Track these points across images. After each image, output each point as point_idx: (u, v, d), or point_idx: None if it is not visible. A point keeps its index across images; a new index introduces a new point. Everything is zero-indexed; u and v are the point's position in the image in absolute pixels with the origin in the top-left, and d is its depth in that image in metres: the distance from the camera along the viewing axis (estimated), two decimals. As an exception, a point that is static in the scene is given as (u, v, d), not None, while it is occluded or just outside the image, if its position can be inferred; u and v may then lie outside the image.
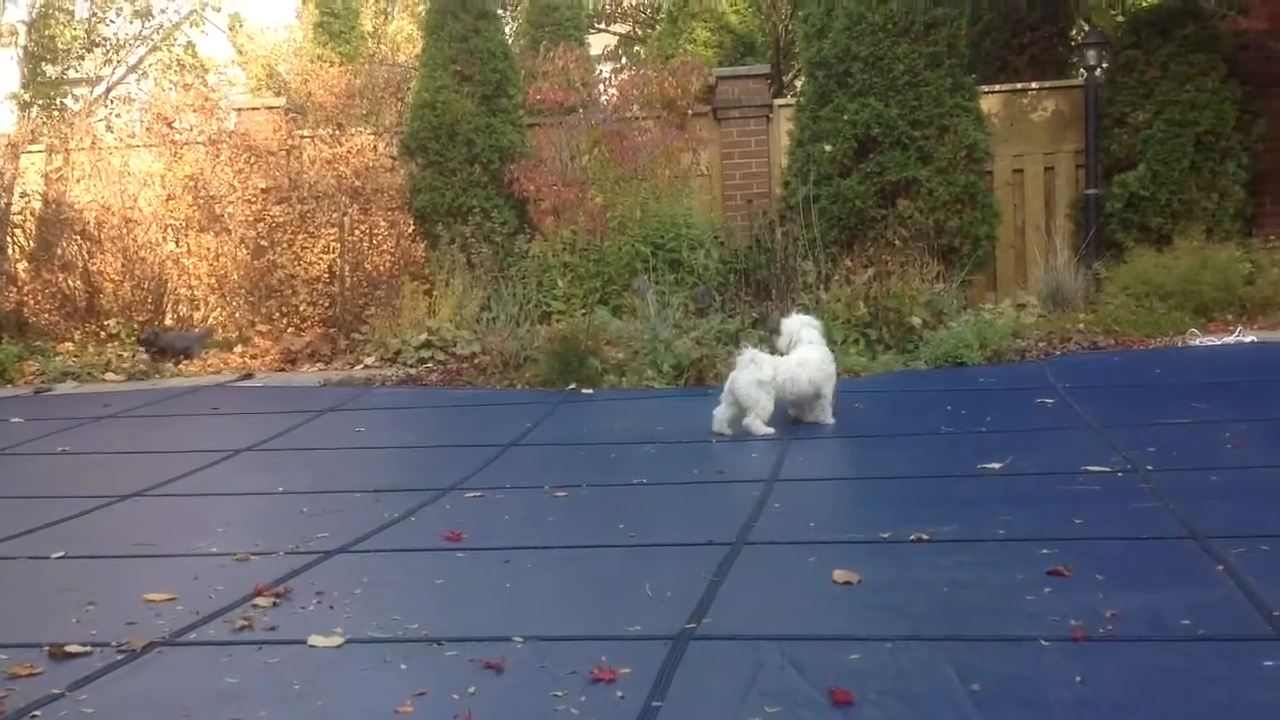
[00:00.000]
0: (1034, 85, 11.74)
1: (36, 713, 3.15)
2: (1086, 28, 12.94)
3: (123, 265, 11.55)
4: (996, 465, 5.46)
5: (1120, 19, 12.28)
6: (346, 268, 11.17)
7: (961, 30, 10.41)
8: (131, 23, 19.23)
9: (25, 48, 12.44)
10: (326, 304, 11.05)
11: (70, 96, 19.74)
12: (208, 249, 11.71)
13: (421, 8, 18.10)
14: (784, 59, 17.06)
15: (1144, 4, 13.74)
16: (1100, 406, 6.64)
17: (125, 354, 10.36)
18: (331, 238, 11.22)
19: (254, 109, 12.64)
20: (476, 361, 9.15)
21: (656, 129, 11.17)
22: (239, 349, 10.78)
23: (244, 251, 11.39)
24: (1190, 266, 9.33)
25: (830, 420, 6.67)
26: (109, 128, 12.66)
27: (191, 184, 11.65)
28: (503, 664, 3.36)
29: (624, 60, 20.65)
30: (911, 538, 4.40)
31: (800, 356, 6.59)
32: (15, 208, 11.88)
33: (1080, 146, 11.21)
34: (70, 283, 11.58)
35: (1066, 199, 11.37)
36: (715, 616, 3.69)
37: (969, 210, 10.09)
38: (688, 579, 4.05)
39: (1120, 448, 5.63)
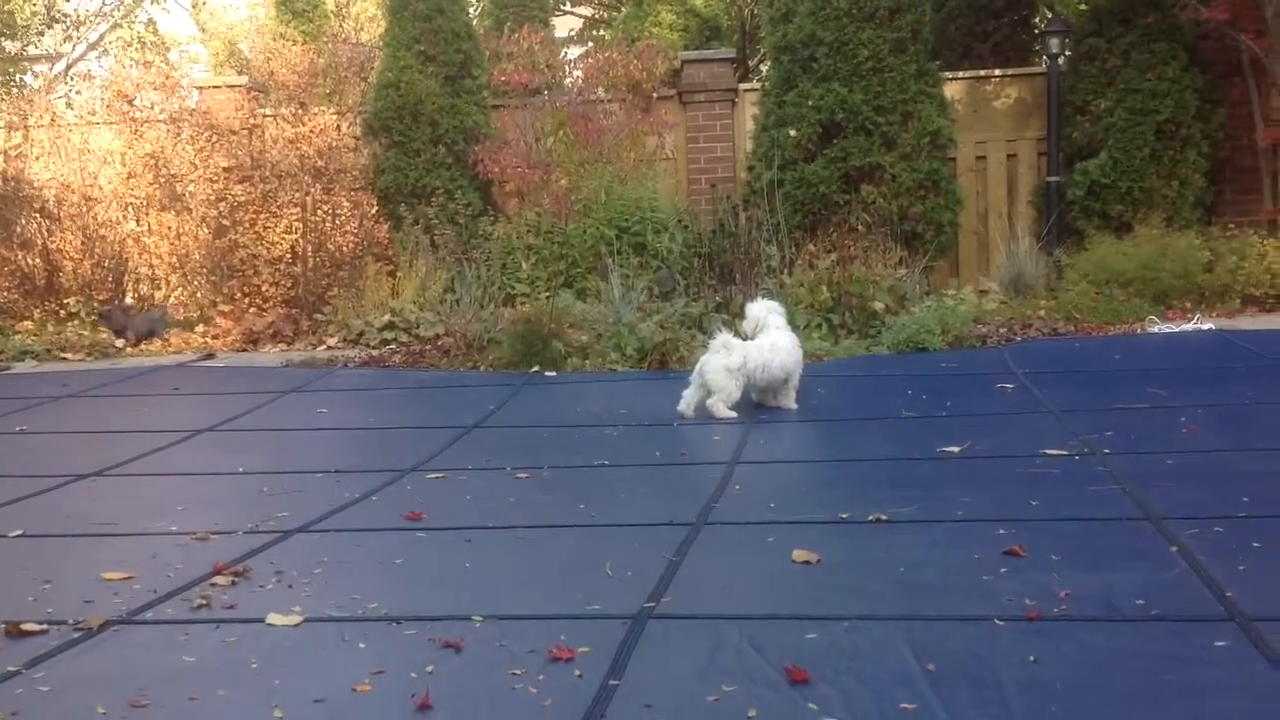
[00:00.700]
0: (997, 72, 11.80)
1: (-9, 691, 3.14)
2: (1050, 15, 13.01)
3: (82, 243, 11.44)
4: (956, 449, 5.51)
5: (1083, 7, 12.36)
6: (309, 248, 11.10)
7: (926, 16, 10.43)
8: (92, -1, 18.98)
9: (-17, 23, 12.28)
10: (289, 284, 10.98)
11: (30, 73, 19.49)
12: (169, 228, 11.61)
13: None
14: (749, 43, 17.06)
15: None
16: (1059, 391, 6.71)
17: (85, 333, 10.26)
18: (294, 218, 11.15)
19: (216, 87, 12.52)
20: (440, 343, 9.12)
21: (621, 112, 11.16)
22: (200, 329, 10.71)
23: (205, 231, 11.31)
24: (1150, 254, 9.42)
25: (794, 405, 6.70)
26: (69, 105, 12.54)
27: (152, 162, 11.54)
28: (461, 643, 3.36)
29: (590, 44, 20.61)
30: (870, 518, 4.43)
31: (772, 342, 6.60)
32: (-27, 186, 11.72)
33: (1042, 134, 11.28)
34: (29, 260, 11.45)
35: (1029, 186, 11.45)
36: (674, 596, 3.71)
37: (932, 196, 10.14)
38: (648, 559, 4.07)
39: (1078, 432, 5.69)
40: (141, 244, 11.72)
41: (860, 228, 9.85)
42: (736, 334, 6.79)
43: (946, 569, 3.86)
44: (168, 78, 12.42)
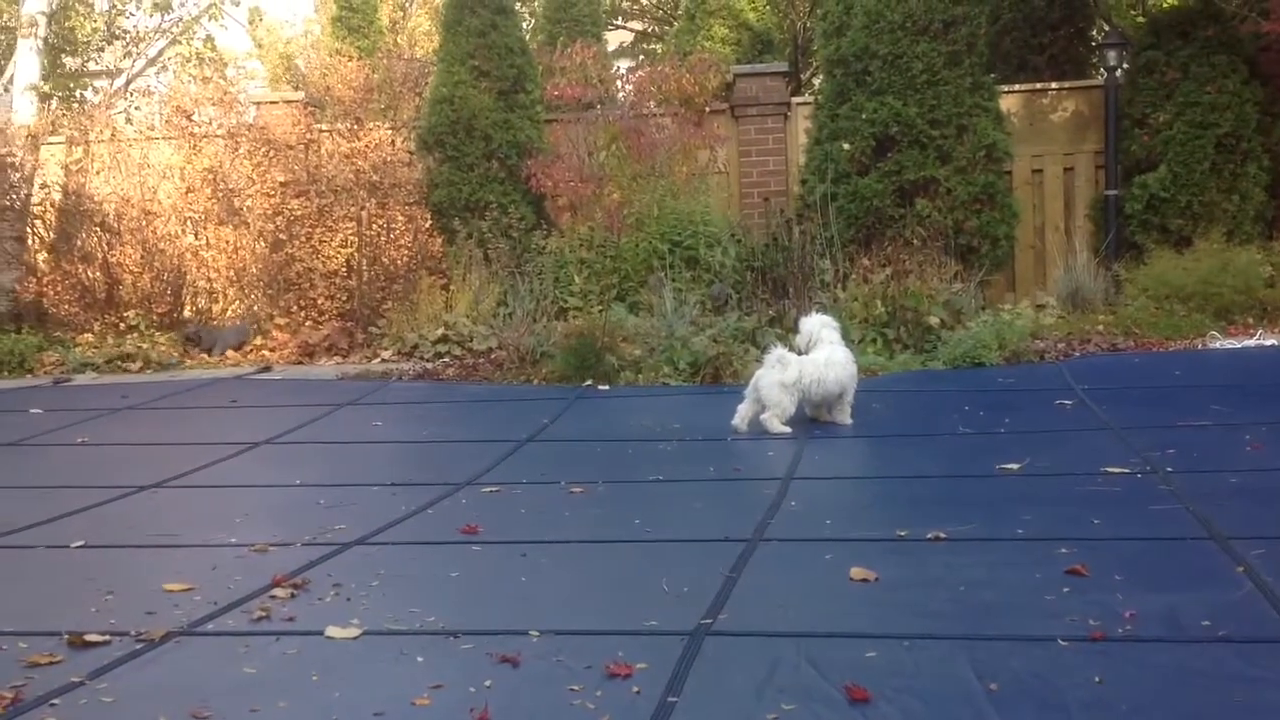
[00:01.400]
0: (1054, 85, 11.70)
1: (56, 701, 3.17)
2: (1106, 28, 12.89)
3: (142, 257, 11.59)
4: (1014, 466, 5.45)
5: (1140, 20, 12.26)
6: (364, 262, 11.19)
7: (981, 29, 10.36)
8: (151, 16, 19.25)
9: (45, 39, 12.45)
10: (344, 298, 11.07)
11: (90, 89, 19.81)
12: (226, 241, 11.75)
13: (440, 0, 18.11)
14: (802, 57, 17.03)
15: (1164, 5, 13.69)
16: (1119, 408, 6.62)
17: (144, 345, 10.39)
18: (349, 232, 11.25)
19: (273, 103, 12.67)
20: (493, 357, 9.16)
21: (674, 126, 11.17)
22: (257, 341, 10.81)
23: (262, 244, 11.42)
24: (1210, 269, 9.30)
25: (849, 421, 6.66)
26: (128, 120, 12.71)
27: (210, 177, 11.68)
28: (519, 658, 3.36)
29: (640, 57, 20.67)
30: (928, 536, 4.39)
31: (827, 357, 6.58)
32: (35, 199, 11.93)
33: (1100, 147, 11.17)
34: (90, 274, 11.62)
35: (1086, 200, 11.33)
36: (731, 612, 3.69)
37: (988, 210, 10.06)
38: (704, 575, 4.05)
39: (1139, 449, 5.62)
40: (200, 258, 11.86)
41: (915, 241, 9.79)
42: (790, 348, 6.76)
43: (1007, 588, 3.82)
44: (225, 93, 12.56)
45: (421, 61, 14.83)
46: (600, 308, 9.67)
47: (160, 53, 20.45)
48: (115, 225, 11.68)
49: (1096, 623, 3.44)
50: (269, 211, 11.39)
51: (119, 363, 10.02)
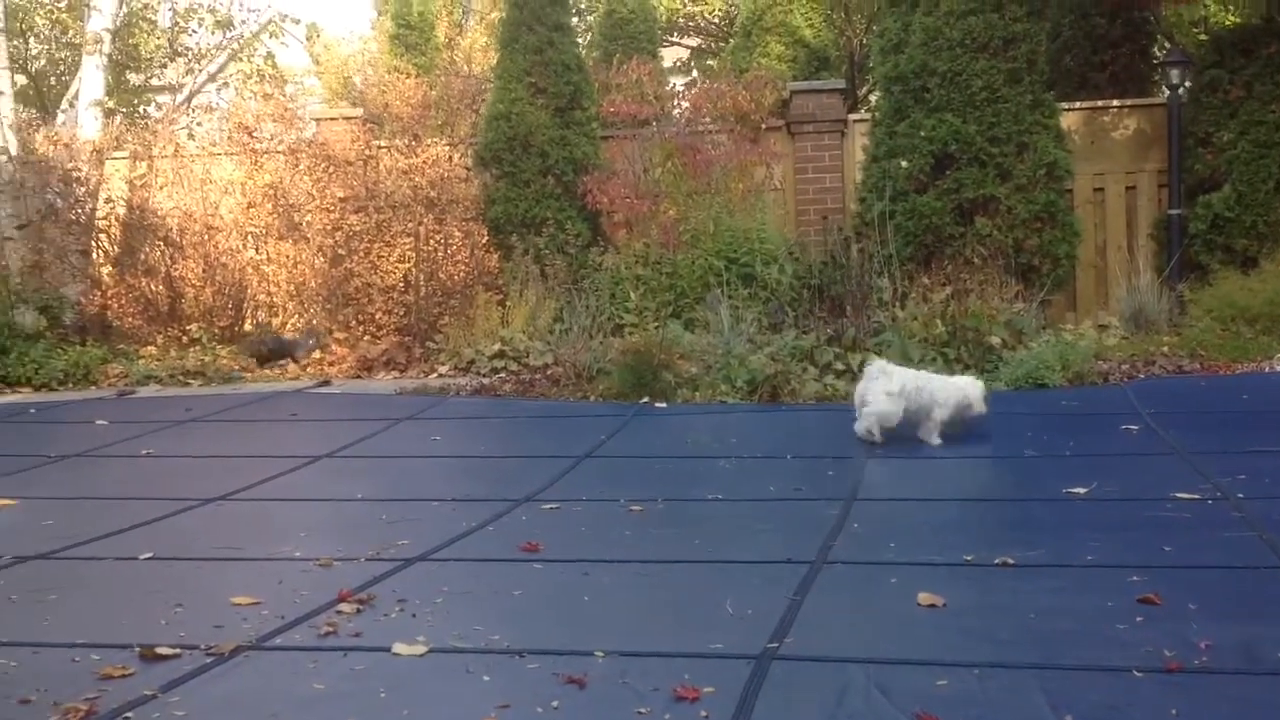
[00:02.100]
0: (1115, 103, 11.58)
1: (129, 715, 3.20)
2: (1169, 46, 12.75)
3: (204, 271, 11.74)
4: (1082, 490, 5.38)
5: (1203, 38, 12.12)
6: (421, 277, 11.26)
7: (1041, 46, 10.26)
8: (213, 33, 19.54)
9: (110, 56, 12.64)
10: (402, 312, 11.14)
11: (153, 104, 20.12)
12: (286, 256, 11.87)
13: (496, 15, 18.23)
14: (859, 73, 16.98)
15: (1227, 23, 13.53)
16: (1187, 432, 6.53)
17: (206, 358, 10.51)
18: (407, 247, 11.33)
19: (332, 119, 12.80)
20: (549, 372, 9.18)
21: (729, 142, 11.17)
22: (316, 355, 10.89)
23: (321, 259, 11.53)
24: (1277, 290, 9.14)
25: (936, 441, 6.62)
26: (191, 135, 12.86)
27: (271, 192, 11.82)
28: (585, 679, 3.35)
29: (696, 73, 20.70)
30: (996, 561, 4.34)
31: (924, 372, 6.77)
32: (100, 213, 12.10)
33: (1163, 166, 11.04)
34: (153, 287, 11.79)
35: (1149, 219, 11.20)
36: (798, 636, 3.66)
37: (1049, 229, 9.96)
38: (768, 597, 4.03)
39: (1209, 475, 5.53)
40: (260, 272, 11.99)
41: (975, 260, 9.70)
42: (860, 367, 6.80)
43: (1078, 616, 3.76)
44: (286, 110, 12.72)
45: (478, 78, 14.92)
46: (656, 324, 9.66)
47: (221, 68, 20.75)
48: (178, 239, 11.84)
49: (1171, 653, 3.38)
50: (328, 227, 11.49)
51: (181, 376, 10.14)
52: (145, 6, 19.06)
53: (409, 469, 6.68)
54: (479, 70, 16.78)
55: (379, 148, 12.11)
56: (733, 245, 10.25)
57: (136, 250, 11.96)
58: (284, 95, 15.80)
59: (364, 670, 3.49)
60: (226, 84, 20.37)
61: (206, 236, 11.84)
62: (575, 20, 15.70)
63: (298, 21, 21.67)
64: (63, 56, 19.75)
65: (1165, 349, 8.86)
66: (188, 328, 11.39)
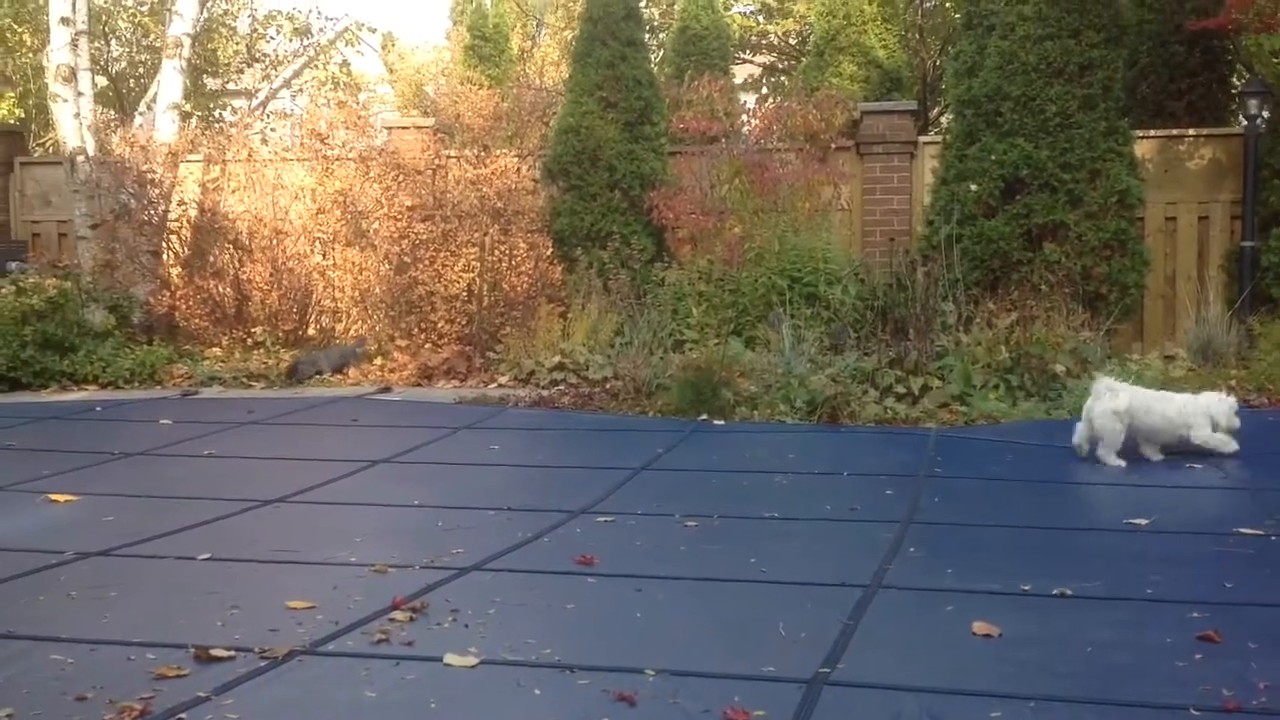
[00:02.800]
0: (1191, 132, 11.41)
1: (183, 715, 3.24)
2: (1247, 75, 12.54)
3: (271, 275, 11.90)
4: (1143, 521, 5.28)
5: (1284, 67, 11.89)
6: (485, 287, 11.33)
7: (1117, 73, 10.14)
8: (291, 40, 19.86)
9: (189, 60, 12.88)
10: (464, 322, 11.22)
11: (229, 109, 20.46)
12: (353, 263, 12.00)
13: (569, 33, 18.36)
14: (931, 95, 16.88)
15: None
16: (1254, 467, 6.40)
17: (270, 361, 10.64)
18: (472, 257, 11.41)
19: (404, 128, 12.94)
20: (608, 386, 9.19)
21: (798, 161, 11.15)
22: (378, 362, 10.99)
23: (387, 267, 11.64)
24: (1350, 325, 8.96)
25: (1157, 457, 6.63)
26: (264, 140, 13.05)
27: (341, 199, 11.96)
28: (635, 697, 3.34)
29: (766, 91, 20.68)
30: (1054, 592, 4.28)
31: (1160, 392, 6.67)
32: (172, 215, 12.31)
33: (1237, 197, 10.87)
34: (220, 290, 11.96)
35: (1220, 250, 11.02)
36: (850, 662, 3.62)
37: (1118, 257, 9.83)
38: (821, 620, 4.00)
39: (1274, 511, 5.41)
40: (326, 277, 12.13)
41: (1042, 287, 9.60)
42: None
43: (1136, 650, 3.69)
44: (359, 117, 12.87)
45: (549, 91, 15.05)
46: (717, 341, 9.65)
47: (296, 74, 21.05)
48: (247, 243, 12.01)
49: (1230, 693, 3.31)
50: (395, 234, 11.60)
51: (244, 378, 10.27)
52: (225, 12, 19.44)
53: (466, 477, 6.71)
54: (550, 83, 16.93)
55: (448, 157, 12.23)
56: (797, 264, 10.22)
57: (206, 252, 12.15)
58: (357, 103, 16.00)
59: (415, 680, 3.50)
60: (301, 90, 20.67)
61: (275, 241, 12.00)
62: (649, 37, 15.72)
63: (374, 30, 21.97)
64: (143, 59, 20.16)
65: (1233, 382, 8.69)
66: (253, 330, 11.55)
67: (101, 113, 14.30)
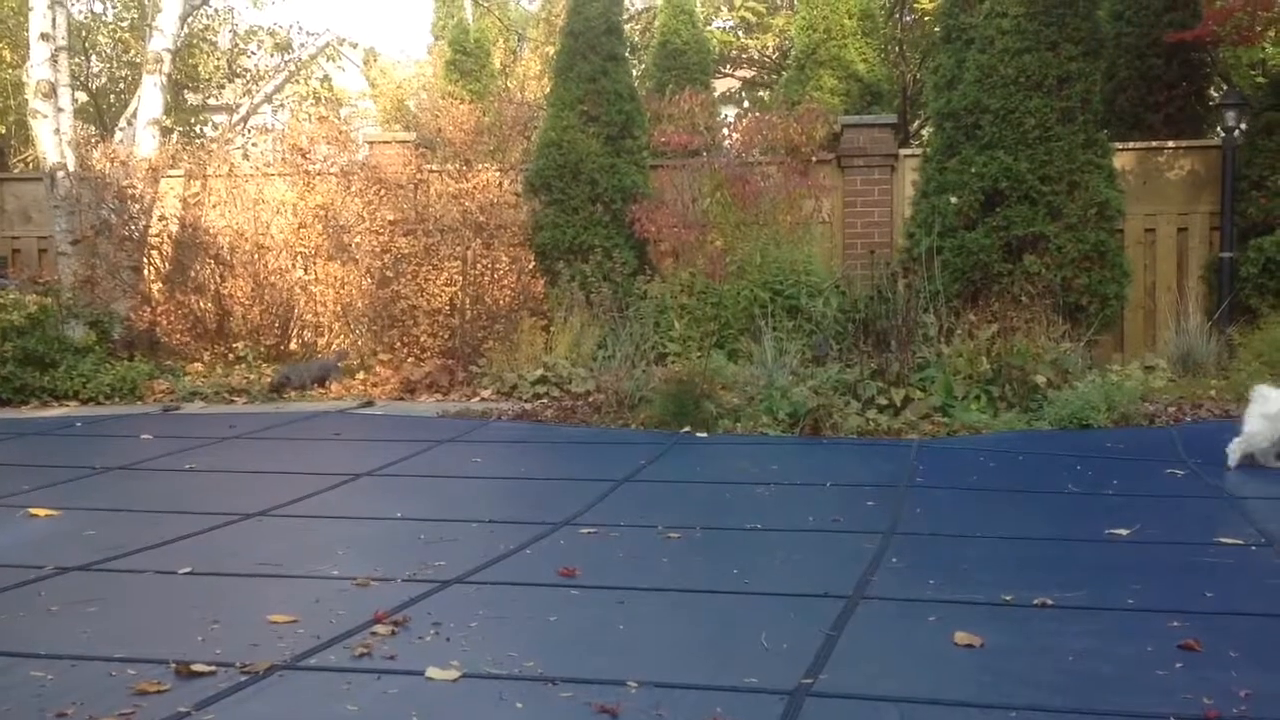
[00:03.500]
0: (1169, 144, 11.50)
1: (163, 730, 3.22)
2: (1225, 88, 12.64)
3: (253, 290, 11.87)
4: (1124, 531, 5.31)
5: (1260, 80, 12.00)
6: (467, 301, 11.33)
7: (1095, 85, 10.21)
8: (272, 55, 19.82)
9: (169, 75, 12.85)
10: (446, 335, 11.21)
11: (209, 124, 20.42)
12: (335, 277, 11.98)
13: (550, 48, 18.38)
14: (911, 109, 16.96)
15: (1286, 65, 13.40)
16: (1233, 476, 6.45)
17: (251, 376, 10.60)
18: (454, 271, 11.40)
19: (385, 142, 12.95)
20: (591, 399, 9.19)
21: (779, 174, 11.18)
22: (360, 376, 10.98)
23: (369, 281, 11.62)
24: (1329, 335, 9.02)
25: None
26: (245, 155, 13.02)
27: (322, 213, 11.94)
28: (618, 709, 3.33)
29: (747, 104, 20.74)
30: (1035, 602, 4.29)
31: None
32: (153, 230, 12.27)
33: (1215, 208, 10.95)
34: (202, 305, 11.93)
35: (1200, 261, 11.10)
36: (832, 673, 3.63)
37: (1098, 268, 9.88)
38: (804, 631, 4.00)
39: (1255, 520, 5.45)
40: (308, 292, 12.11)
41: (1022, 298, 9.65)
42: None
43: (1117, 660, 3.70)
44: (340, 132, 12.86)
45: (531, 105, 15.05)
46: (700, 354, 9.66)
47: (278, 89, 21.01)
48: (228, 258, 11.98)
49: (1210, 701, 3.32)
50: (377, 249, 11.59)
51: (226, 393, 10.23)
52: (206, 28, 19.38)
53: (449, 490, 6.70)
54: (532, 98, 16.94)
55: (430, 171, 12.22)
56: (779, 277, 10.25)
57: (187, 267, 12.12)
58: (338, 118, 16.00)
59: (397, 694, 3.49)
60: (283, 105, 20.63)
61: (256, 255, 11.97)
62: (630, 52, 15.75)
63: (355, 46, 21.92)
64: (123, 75, 20.09)
65: (1213, 392, 8.76)
66: (234, 345, 11.51)
67: (82, 128, 14.23)
